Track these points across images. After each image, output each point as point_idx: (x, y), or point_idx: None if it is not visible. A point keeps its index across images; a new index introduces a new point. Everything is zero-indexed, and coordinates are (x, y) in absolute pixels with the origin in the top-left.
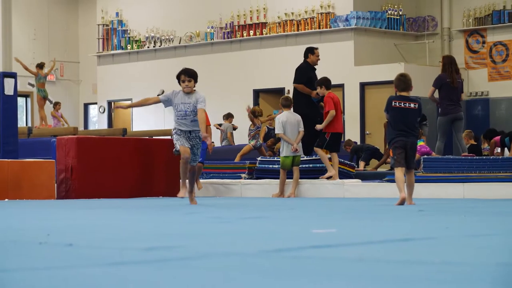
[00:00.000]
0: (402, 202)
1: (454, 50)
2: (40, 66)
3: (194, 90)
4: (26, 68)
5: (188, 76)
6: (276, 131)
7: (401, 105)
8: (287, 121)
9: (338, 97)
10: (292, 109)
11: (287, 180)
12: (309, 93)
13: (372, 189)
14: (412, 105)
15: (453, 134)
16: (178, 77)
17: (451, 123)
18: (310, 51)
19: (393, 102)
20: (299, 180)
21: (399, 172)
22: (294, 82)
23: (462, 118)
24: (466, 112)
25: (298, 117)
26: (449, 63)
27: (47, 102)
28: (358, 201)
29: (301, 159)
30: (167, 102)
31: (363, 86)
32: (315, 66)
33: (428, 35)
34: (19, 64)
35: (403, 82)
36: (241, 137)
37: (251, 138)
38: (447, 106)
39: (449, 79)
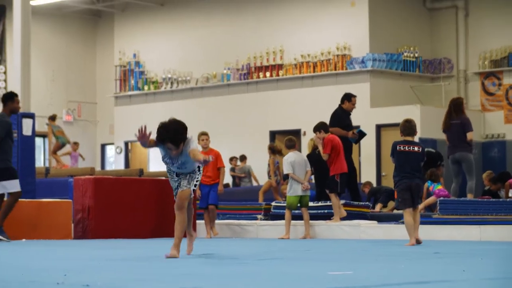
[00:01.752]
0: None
1: (470, 92)
2: (52, 118)
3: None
4: (49, 134)
5: (173, 144)
6: (285, 171)
7: (405, 149)
8: (295, 161)
9: (338, 139)
10: (296, 149)
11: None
12: (346, 135)
13: (389, 230)
14: (416, 149)
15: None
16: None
17: (457, 164)
18: (347, 98)
19: (398, 146)
20: (312, 221)
21: (407, 216)
22: (330, 126)
23: (464, 159)
24: (482, 154)
25: (304, 157)
26: (448, 105)
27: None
28: (375, 242)
29: (322, 204)
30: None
31: (379, 128)
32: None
33: (444, 77)
34: (38, 105)
35: (408, 127)
36: (260, 178)
37: (272, 174)
38: (447, 148)
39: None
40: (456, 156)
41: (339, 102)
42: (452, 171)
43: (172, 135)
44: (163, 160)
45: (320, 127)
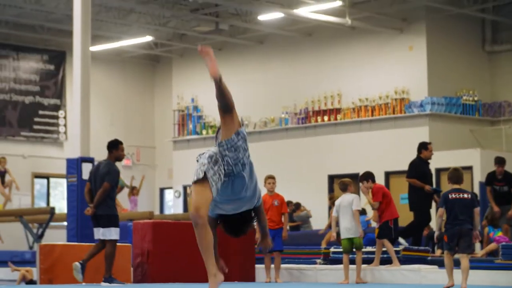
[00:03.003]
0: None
1: None
2: None
3: None
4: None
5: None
6: (333, 214)
7: (457, 196)
8: (340, 204)
9: (385, 187)
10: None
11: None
12: (422, 187)
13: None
14: (465, 195)
15: None
16: None
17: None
18: (423, 147)
19: (449, 195)
20: (372, 265)
21: (448, 259)
22: (407, 176)
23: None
24: None
25: (351, 197)
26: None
27: (125, 187)
28: None
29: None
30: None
31: (438, 172)
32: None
33: (504, 121)
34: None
35: (456, 175)
36: (319, 222)
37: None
38: None
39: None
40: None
41: (416, 153)
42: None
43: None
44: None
45: (366, 177)
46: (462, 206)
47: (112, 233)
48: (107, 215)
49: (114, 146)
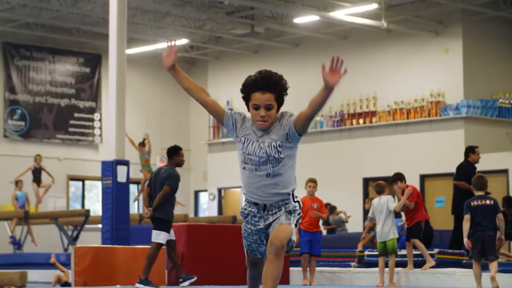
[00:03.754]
0: None
1: None
2: (142, 143)
3: (276, 119)
4: (133, 143)
5: (268, 90)
6: (369, 214)
7: (479, 203)
8: (376, 206)
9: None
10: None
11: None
12: (470, 189)
13: (484, 279)
14: (488, 202)
15: None
16: (247, 94)
17: None
18: (470, 151)
19: (471, 203)
20: (406, 269)
21: (476, 267)
22: (455, 179)
23: None
24: None
25: (385, 199)
26: None
27: None
28: None
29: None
30: (229, 126)
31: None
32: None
33: None
34: (132, 152)
35: (480, 183)
36: (353, 225)
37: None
38: None
39: None
40: None
41: (464, 156)
42: None
43: (275, 82)
44: (241, 171)
45: (399, 178)
46: (484, 213)
47: (160, 237)
48: (161, 219)
49: (175, 152)
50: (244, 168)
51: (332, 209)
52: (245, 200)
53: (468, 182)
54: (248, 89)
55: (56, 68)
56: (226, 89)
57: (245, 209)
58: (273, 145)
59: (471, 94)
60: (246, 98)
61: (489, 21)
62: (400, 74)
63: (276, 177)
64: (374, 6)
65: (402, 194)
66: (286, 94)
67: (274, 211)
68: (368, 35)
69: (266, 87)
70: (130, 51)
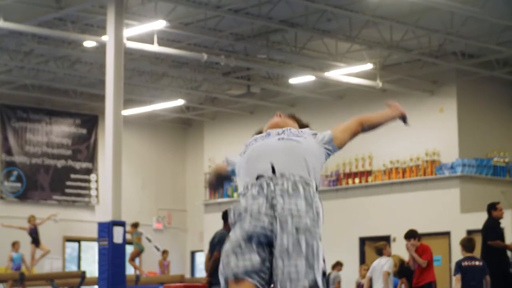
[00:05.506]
0: None
1: None
2: (135, 225)
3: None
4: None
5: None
6: (367, 274)
7: (469, 264)
8: (376, 266)
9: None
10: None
11: None
12: (505, 247)
13: None
14: (477, 263)
15: None
16: None
17: None
18: (492, 208)
19: (462, 263)
20: None
21: None
22: (489, 239)
23: None
24: None
25: (384, 261)
26: None
27: (155, 250)
28: None
29: None
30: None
31: (470, 233)
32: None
33: None
34: (128, 213)
35: (469, 245)
36: (346, 284)
37: None
38: None
39: None
40: None
41: (487, 215)
42: None
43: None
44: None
45: (412, 235)
46: (473, 273)
47: None
48: (217, 284)
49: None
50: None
51: (336, 264)
52: (241, 193)
53: (500, 240)
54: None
55: (53, 130)
56: (222, 149)
57: (243, 194)
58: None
59: (466, 153)
60: None
61: (483, 81)
62: (395, 133)
63: (292, 142)
64: (369, 66)
65: (416, 252)
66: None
67: (285, 186)
68: (363, 95)
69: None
70: (126, 112)
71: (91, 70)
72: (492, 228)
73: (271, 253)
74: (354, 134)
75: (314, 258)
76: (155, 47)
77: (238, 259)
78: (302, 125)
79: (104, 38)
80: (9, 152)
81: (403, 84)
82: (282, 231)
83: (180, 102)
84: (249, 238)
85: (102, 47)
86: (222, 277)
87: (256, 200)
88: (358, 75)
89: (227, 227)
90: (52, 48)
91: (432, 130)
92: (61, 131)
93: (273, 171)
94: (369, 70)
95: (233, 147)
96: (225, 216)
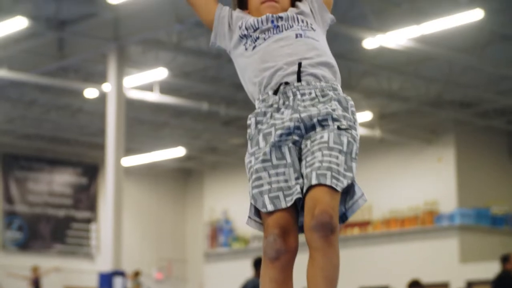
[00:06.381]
0: None
1: None
2: (137, 274)
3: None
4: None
5: None
6: None
7: None
8: None
9: None
10: None
11: None
12: None
13: None
14: None
15: None
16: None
17: None
18: (505, 260)
19: None
20: None
21: None
22: None
23: None
24: None
25: None
26: None
27: None
28: None
29: None
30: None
31: (470, 284)
32: None
33: None
34: (128, 263)
35: None
36: None
37: None
38: None
39: None
40: None
41: (501, 267)
42: None
43: None
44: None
45: (416, 284)
46: None
47: None
48: None
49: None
50: (252, 48)
51: None
52: (257, 102)
53: None
54: None
55: (54, 179)
56: (222, 199)
57: (258, 112)
58: (296, 16)
59: (465, 202)
60: None
61: (481, 131)
62: (394, 183)
63: (310, 40)
64: (368, 114)
65: None
66: None
67: (312, 94)
68: (361, 144)
69: None
70: (127, 161)
71: (93, 119)
72: (505, 280)
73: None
74: None
75: (352, 161)
76: (156, 96)
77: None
78: None
79: (106, 86)
80: (10, 201)
81: (401, 134)
82: (322, 128)
83: (180, 150)
84: (278, 147)
85: (103, 97)
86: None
87: (280, 112)
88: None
89: (257, 274)
90: (54, 98)
91: (431, 179)
92: (62, 180)
93: (298, 78)
94: (368, 120)
95: (233, 196)
96: (257, 263)
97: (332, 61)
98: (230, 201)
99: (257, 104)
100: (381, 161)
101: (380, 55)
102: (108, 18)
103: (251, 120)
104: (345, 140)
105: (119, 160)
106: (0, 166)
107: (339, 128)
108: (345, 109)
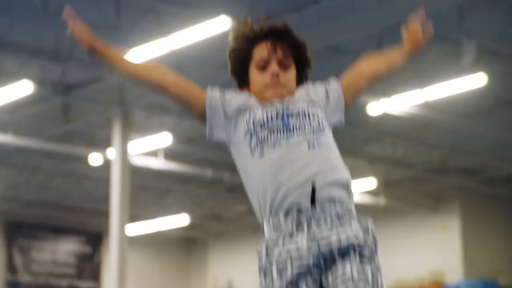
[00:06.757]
0: None
1: None
2: None
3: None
4: None
5: (280, 39)
6: None
7: None
8: None
9: None
10: None
11: None
12: None
13: None
14: None
15: None
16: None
17: None
18: None
19: None
20: None
21: None
22: None
23: None
24: None
25: None
26: None
27: None
28: None
29: None
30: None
31: None
32: None
33: None
34: None
35: None
36: None
37: None
38: None
39: None
40: None
41: None
42: None
43: (283, 29)
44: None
45: None
46: None
47: None
48: None
49: None
50: (259, 153)
51: None
52: (266, 226)
53: None
54: (245, 43)
55: (58, 248)
56: (227, 269)
57: (269, 244)
58: (307, 110)
59: (471, 273)
60: (242, 68)
61: (486, 199)
62: (399, 252)
63: (323, 152)
64: (372, 180)
65: None
66: (309, 65)
67: (328, 220)
68: (366, 213)
69: (276, 34)
70: (130, 229)
71: (97, 186)
72: None
73: None
74: (369, 81)
75: None
76: (160, 163)
77: None
78: (302, 59)
79: (110, 151)
80: (13, 271)
81: (406, 201)
82: (343, 259)
83: (184, 218)
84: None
85: (108, 163)
86: None
87: (293, 239)
88: (361, 192)
89: None
90: (58, 164)
91: (436, 248)
92: (66, 249)
93: (312, 200)
94: (372, 188)
95: (237, 266)
96: None
97: (345, 174)
98: (234, 270)
99: (265, 227)
100: (385, 230)
101: (383, 122)
102: (113, 83)
103: (262, 252)
104: (369, 273)
105: (123, 228)
106: (3, 235)
107: (361, 256)
108: (365, 231)
